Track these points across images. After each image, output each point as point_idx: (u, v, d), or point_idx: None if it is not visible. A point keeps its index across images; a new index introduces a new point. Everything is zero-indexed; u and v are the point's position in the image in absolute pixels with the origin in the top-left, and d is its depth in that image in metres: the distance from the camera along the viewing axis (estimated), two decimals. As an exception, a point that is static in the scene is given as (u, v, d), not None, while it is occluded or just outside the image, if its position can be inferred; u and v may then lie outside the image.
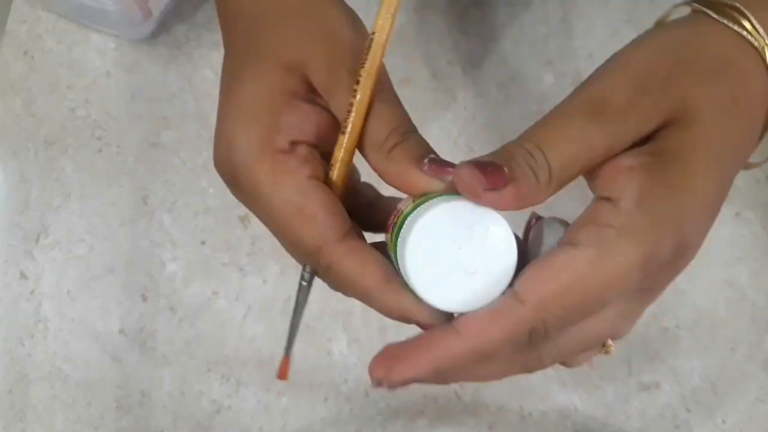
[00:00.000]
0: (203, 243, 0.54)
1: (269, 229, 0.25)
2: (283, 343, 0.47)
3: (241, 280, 0.53)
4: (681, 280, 0.52)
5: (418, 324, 0.24)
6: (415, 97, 0.57)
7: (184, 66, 0.58)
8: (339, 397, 0.50)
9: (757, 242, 0.54)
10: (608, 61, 0.24)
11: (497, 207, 0.21)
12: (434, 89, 0.58)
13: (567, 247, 0.21)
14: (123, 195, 0.55)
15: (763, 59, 0.22)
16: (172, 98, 0.58)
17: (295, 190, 0.23)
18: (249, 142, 0.23)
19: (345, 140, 0.23)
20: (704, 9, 0.23)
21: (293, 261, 0.52)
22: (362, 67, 0.23)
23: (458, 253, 0.21)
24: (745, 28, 0.22)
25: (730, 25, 0.22)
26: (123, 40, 0.59)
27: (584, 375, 0.51)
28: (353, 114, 0.23)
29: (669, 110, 0.21)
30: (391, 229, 0.24)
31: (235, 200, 0.51)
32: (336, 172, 0.24)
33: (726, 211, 0.55)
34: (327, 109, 0.25)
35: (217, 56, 0.59)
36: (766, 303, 0.52)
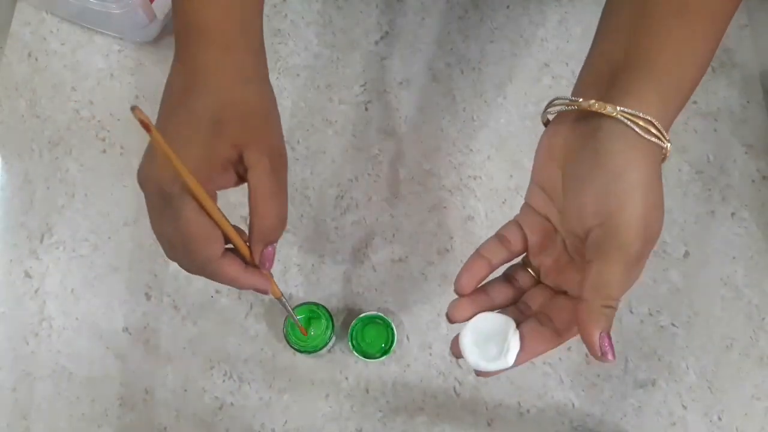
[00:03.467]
0: (206, 242, 0.54)
1: (170, 241, 0.36)
2: (283, 340, 0.48)
3: (243, 279, 0.53)
4: (677, 278, 0.53)
5: (257, 288, 0.38)
6: (414, 99, 0.58)
7: (187, 68, 0.59)
8: (340, 394, 0.51)
9: (753, 241, 0.54)
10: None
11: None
12: (433, 91, 0.58)
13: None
14: (126, 195, 0.55)
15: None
16: (174, 99, 0.58)
17: (210, 224, 0.36)
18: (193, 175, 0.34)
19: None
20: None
21: (295, 260, 0.53)
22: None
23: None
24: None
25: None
26: (127, 42, 0.59)
27: (581, 372, 0.51)
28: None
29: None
30: None
31: (238, 200, 0.52)
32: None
33: (722, 211, 0.55)
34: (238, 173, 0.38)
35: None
36: (762, 301, 0.53)
